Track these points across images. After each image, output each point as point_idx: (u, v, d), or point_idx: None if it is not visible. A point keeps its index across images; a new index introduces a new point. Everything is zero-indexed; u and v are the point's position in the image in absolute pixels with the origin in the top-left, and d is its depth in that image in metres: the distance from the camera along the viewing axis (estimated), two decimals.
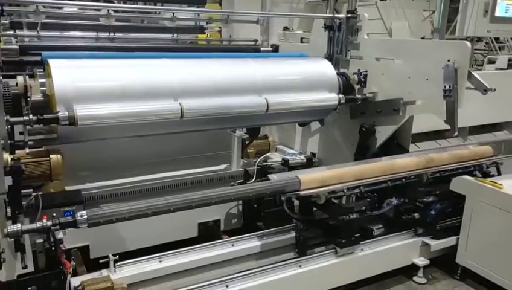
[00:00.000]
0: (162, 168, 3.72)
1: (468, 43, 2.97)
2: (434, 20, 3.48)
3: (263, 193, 2.91)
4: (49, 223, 2.21)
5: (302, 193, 2.91)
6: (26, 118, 2.46)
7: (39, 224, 2.18)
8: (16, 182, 2.46)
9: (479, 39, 5.83)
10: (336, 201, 3.25)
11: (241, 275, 2.85)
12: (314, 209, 3.36)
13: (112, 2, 4.99)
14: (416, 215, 3.49)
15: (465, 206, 3.35)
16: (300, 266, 3.03)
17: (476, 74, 2.97)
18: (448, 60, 2.96)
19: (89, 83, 2.73)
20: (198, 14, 4.83)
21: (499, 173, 3.79)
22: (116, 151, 3.61)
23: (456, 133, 3.14)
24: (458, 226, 3.44)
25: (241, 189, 2.95)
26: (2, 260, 2.15)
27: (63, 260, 2.23)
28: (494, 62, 4.41)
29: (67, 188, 3.19)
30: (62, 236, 2.24)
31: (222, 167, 3.98)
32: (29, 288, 2.14)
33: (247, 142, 4.06)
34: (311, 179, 2.97)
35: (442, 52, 3.04)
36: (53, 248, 2.22)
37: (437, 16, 3.30)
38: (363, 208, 3.36)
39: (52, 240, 2.20)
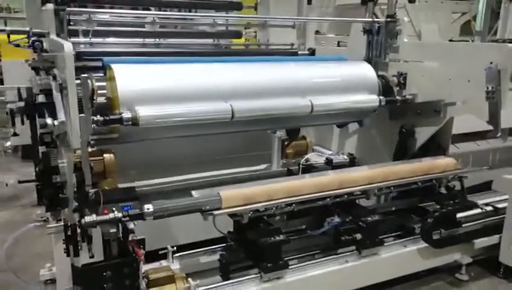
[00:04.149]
0: (205, 168, 3.86)
1: (511, 46, 3.03)
2: (476, 23, 3.53)
3: (182, 211, 2.67)
4: (120, 215, 2.39)
5: (216, 212, 2.67)
6: (94, 118, 2.66)
7: (111, 216, 2.37)
8: (81, 179, 2.66)
9: None
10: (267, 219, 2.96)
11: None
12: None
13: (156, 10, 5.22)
14: (358, 235, 3.14)
15: (507, 205, 3.39)
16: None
17: None
18: (491, 63, 3.04)
19: (148, 86, 2.93)
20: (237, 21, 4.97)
21: (463, 188, 3.54)
22: (162, 152, 3.77)
23: (499, 134, 3.20)
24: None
25: (160, 206, 2.59)
26: (80, 247, 2.35)
27: (135, 249, 2.41)
28: None
29: (119, 185, 3.37)
30: (133, 226, 2.42)
31: (262, 167, 4.11)
32: (104, 273, 2.31)
33: (286, 143, 4.18)
34: (234, 196, 2.75)
35: (484, 55, 3.11)
36: (124, 238, 2.41)
37: (479, 19, 3.36)
38: (303, 226, 3.19)
39: (124, 230, 2.39)
